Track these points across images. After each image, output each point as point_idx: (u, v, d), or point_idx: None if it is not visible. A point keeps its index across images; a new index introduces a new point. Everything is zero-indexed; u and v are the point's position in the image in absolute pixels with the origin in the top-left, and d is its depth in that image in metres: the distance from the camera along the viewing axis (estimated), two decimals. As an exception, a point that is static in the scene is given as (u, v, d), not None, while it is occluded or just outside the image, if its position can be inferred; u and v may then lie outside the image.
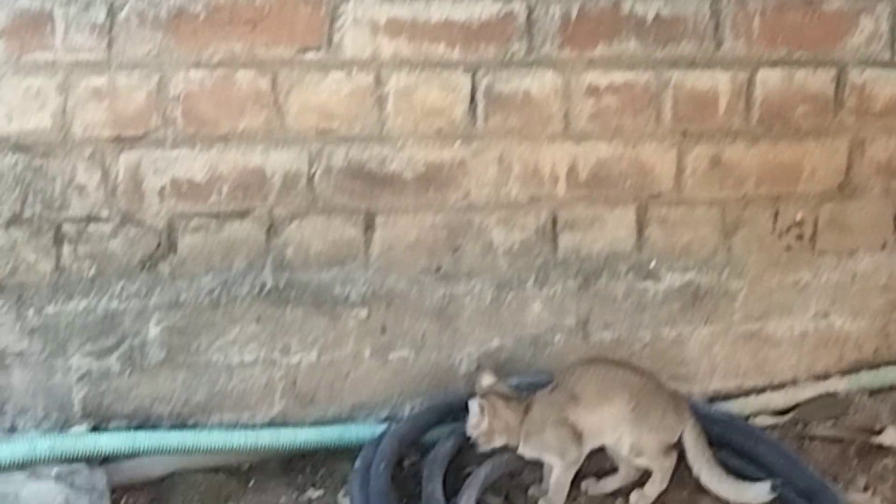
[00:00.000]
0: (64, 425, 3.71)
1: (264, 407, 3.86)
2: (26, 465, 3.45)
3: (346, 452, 3.78)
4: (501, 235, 3.89)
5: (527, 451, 3.63)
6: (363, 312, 3.84)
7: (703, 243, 4.05)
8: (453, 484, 3.64)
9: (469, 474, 3.67)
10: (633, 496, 3.67)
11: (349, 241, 3.78)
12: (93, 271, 3.62)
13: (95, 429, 3.71)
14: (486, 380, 3.65)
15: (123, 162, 3.55)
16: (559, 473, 3.62)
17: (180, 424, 3.79)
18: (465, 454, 3.79)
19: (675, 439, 3.64)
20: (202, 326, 3.74)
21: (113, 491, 3.51)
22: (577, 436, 3.60)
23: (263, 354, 3.81)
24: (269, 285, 3.75)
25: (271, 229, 3.71)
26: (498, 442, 3.59)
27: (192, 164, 3.60)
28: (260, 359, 3.81)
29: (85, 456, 3.53)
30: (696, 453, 3.64)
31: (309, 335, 3.82)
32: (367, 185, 3.74)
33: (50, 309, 3.62)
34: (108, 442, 3.56)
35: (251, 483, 3.74)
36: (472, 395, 3.60)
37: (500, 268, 3.92)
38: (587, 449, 3.64)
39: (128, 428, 3.73)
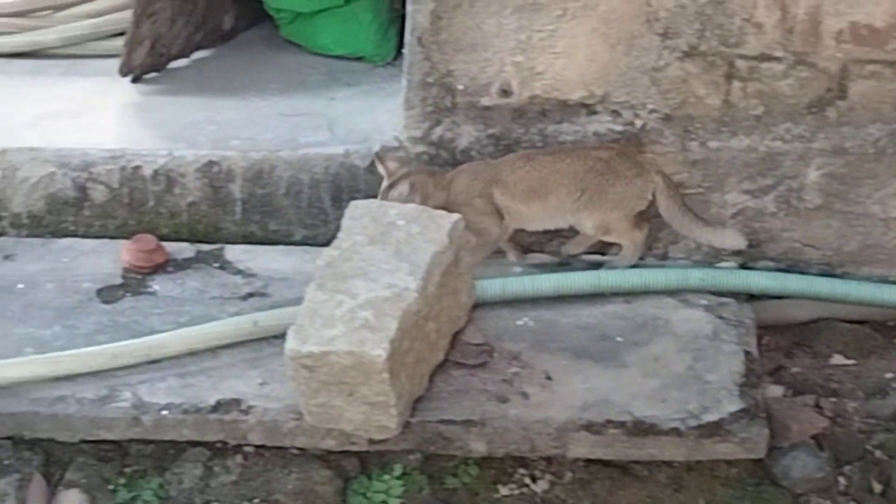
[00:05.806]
0: (713, 259, 3.80)
1: (918, 265, 3.76)
2: (677, 293, 3.58)
3: None
4: None
5: None
6: None
7: None
8: None
9: None
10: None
11: None
12: (759, 110, 3.63)
13: (743, 266, 3.77)
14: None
15: (804, 2, 3.49)
16: (477, 248, 3.57)
17: (828, 272, 3.77)
18: None
19: (646, 205, 3.57)
20: (863, 176, 3.67)
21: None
22: (500, 215, 3.58)
23: (924, 211, 3.69)
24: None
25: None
26: None
27: (875, 9, 3.48)
28: (920, 216, 3.69)
29: (733, 291, 3.61)
30: (671, 208, 3.62)
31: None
32: None
33: (713, 143, 3.68)
34: (759, 280, 3.62)
35: (896, 340, 3.68)
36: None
37: None
38: (512, 230, 3.64)
39: (775, 269, 3.77)
